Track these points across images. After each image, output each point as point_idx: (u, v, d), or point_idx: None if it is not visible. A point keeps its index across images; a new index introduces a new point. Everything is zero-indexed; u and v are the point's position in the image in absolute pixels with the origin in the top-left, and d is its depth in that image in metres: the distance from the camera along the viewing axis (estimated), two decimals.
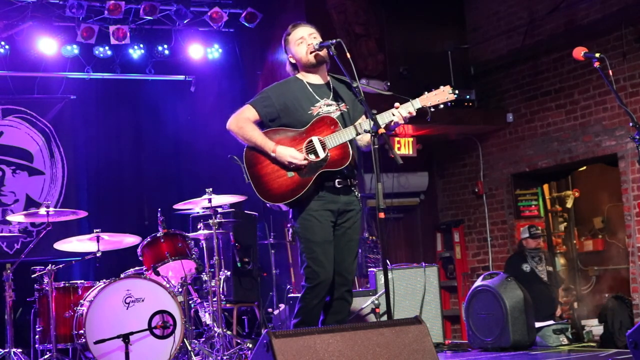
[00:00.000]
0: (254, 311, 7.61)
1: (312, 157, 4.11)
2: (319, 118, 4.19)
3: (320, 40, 4.28)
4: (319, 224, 4.14)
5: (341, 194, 4.19)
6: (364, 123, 4.11)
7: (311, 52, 4.24)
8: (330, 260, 4.15)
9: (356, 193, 4.26)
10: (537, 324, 6.32)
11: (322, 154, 4.11)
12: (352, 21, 8.68)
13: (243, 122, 4.23)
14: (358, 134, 4.13)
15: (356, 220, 4.26)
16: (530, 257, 8.37)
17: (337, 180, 4.16)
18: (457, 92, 4.19)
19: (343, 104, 4.28)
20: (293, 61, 4.34)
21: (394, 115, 4.10)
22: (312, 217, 4.14)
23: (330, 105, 4.25)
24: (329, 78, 4.36)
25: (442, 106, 4.15)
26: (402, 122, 4.10)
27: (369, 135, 4.20)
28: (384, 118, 4.09)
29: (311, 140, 4.14)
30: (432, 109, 4.16)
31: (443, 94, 4.16)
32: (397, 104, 4.13)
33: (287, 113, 4.22)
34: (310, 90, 4.27)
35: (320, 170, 4.11)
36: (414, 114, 4.13)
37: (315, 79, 4.31)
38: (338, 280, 4.19)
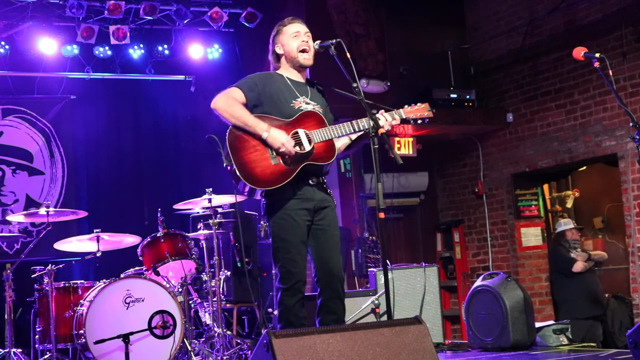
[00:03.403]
0: (254, 311, 7.61)
1: (297, 148, 4.12)
2: (305, 112, 4.22)
3: (313, 42, 4.31)
4: (296, 224, 4.13)
5: (316, 192, 4.20)
6: (363, 121, 4.14)
7: (302, 50, 4.26)
8: (305, 260, 4.17)
9: (329, 190, 4.30)
10: (537, 324, 6.32)
11: (307, 147, 4.13)
12: (352, 21, 8.68)
13: (232, 100, 4.20)
14: (354, 131, 4.17)
15: (333, 217, 4.27)
16: (573, 247, 8.41)
17: (311, 178, 4.18)
18: (434, 110, 4.39)
19: (319, 106, 4.32)
20: (280, 51, 4.33)
21: (379, 119, 4.15)
22: (288, 216, 4.13)
23: (309, 104, 4.29)
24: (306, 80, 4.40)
25: (420, 121, 4.31)
26: (388, 127, 4.16)
27: (345, 139, 4.32)
28: (369, 121, 4.14)
29: (297, 132, 4.15)
30: (412, 122, 4.31)
31: (423, 110, 4.32)
32: (382, 111, 4.22)
33: (270, 102, 4.22)
34: (291, 85, 4.29)
35: (305, 162, 4.12)
36: (398, 122, 4.26)
37: (296, 76, 4.35)
38: (328, 279, 4.17)
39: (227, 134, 4.18)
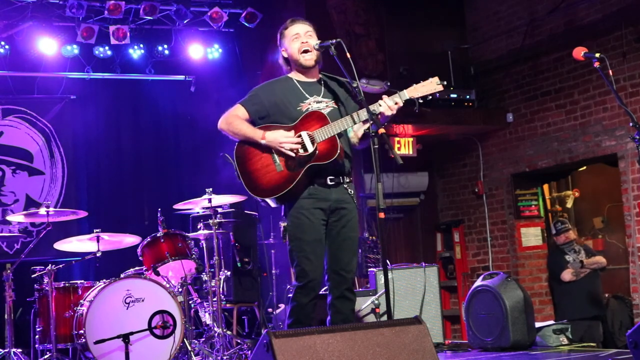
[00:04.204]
0: (254, 311, 7.61)
1: (300, 152, 4.12)
2: (307, 113, 4.22)
3: (316, 39, 4.30)
4: (310, 223, 4.15)
5: (333, 191, 4.20)
6: (361, 113, 4.14)
7: (303, 51, 4.26)
8: (321, 259, 4.18)
9: (350, 190, 4.26)
10: (537, 324, 6.32)
11: (310, 149, 4.13)
12: (352, 21, 8.68)
13: (232, 118, 4.27)
14: (355, 123, 4.16)
15: (351, 219, 4.25)
16: (567, 250, 8.39)
17: (328, 177, 4.18)
18: (444, 82, 4.27)
19: (333, 102, 4.31)
20: (286, 55, 4.36)
21: (380, 105, 4.13)
22: (303, 215, 4.15)
23: (320, 102, 4.29)
24: (320, 76, 4.39)
25: (430, 97, 4.25)
26: (390, 112, 4.12)
27: (361, 130, 4.30)
28: (371, 110, 4.11)
29: (300, 135, 4.16)
30: (421, 100, 4.23)
31: (431, 85, 4.22)
32: (384, 96, 4.17)
33: (277, 110, 4.25)
34: (300, 87, 4.30)
35: (308, 164, 4.13)
36: (401, 104, 4.17)
37: (305, 77, 4.35)
38: (336, 279, 4.20)
39: (234, 148, 4.26)
